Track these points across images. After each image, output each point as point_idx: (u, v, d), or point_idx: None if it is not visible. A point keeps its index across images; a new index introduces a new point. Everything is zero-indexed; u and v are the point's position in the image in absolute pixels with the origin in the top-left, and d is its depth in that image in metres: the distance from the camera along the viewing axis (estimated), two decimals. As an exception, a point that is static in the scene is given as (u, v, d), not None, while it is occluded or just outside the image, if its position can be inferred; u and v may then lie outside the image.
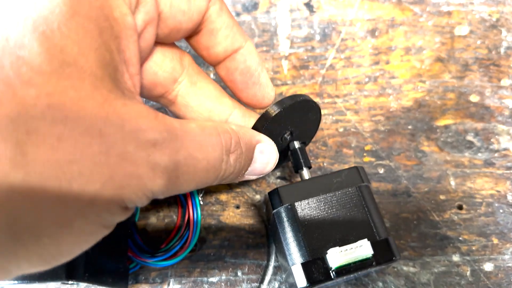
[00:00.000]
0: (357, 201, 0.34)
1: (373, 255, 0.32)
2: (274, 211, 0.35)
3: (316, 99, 0.47)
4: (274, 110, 0.35)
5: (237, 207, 0.43)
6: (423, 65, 0.49)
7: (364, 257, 0.32)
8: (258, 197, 0.43)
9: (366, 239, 0.32)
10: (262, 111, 0.36)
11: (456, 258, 0.41)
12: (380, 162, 0.44)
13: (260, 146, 0.33)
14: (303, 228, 0.33)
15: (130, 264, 0.39)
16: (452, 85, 0.48)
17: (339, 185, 0.35)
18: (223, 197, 0.43)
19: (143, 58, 0.31)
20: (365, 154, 0.45)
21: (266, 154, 0.34)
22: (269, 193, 0.35)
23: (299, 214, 0.34)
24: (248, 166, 0.33)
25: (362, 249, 0.32)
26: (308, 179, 0.36)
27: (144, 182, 0.22)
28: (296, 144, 0.40)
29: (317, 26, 0.51)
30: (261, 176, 0.36)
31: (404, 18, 0.51)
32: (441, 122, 0.46)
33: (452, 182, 0.44)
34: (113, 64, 0.23)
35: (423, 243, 0.41)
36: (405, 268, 0.40)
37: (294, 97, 0.36)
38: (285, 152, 0.40)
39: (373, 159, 0.44)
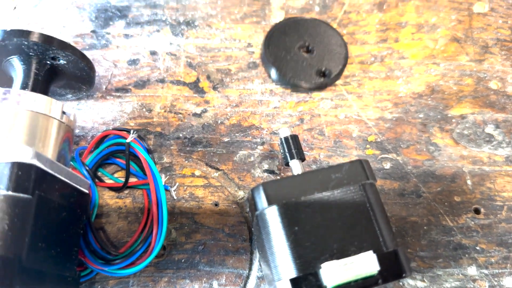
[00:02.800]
0: (360, 202, 0.28)
1: (379, 271, 0.25)
2: (258, 212, 0.28)
3: (313, 80, 0.40)
4: None
5: (216, 204, 0.36)
6: (437, 45, 0.42)
7: (368, 274, 0.25)
8: (241, 193, 0.36)
9: (371, 251, 0.26)
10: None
11: (472, 271, 0.34)
12: (386, 155, 0.38)
13: None
14: (293, 235, 0.27)
15: (83, 271, 0.32)
16: (469, 69, 0.42)
17: (339, 182, 0.28)
18: (199, 192, 0.36)
19: None
20: (368, 146, 0.38)
21: None
22: (252, 190, 0.29)
23: (288, 217, 0.27)
24: None
25: (366, 263, 0.25)
26: (301, 174, 0.30)
27: None
28: (287, 132, 0.33)
29: (316, -4, 0.44)
30: None
31: (416, -9, 0.45)
32: (456, 111, 0.40)
33: (469, 182, 0.37)
34: None
35: (434, 253, 0.35)
36: (412, 282, 0.34)
37: None
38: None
39: (377, 152, 0.38)
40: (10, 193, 0.25)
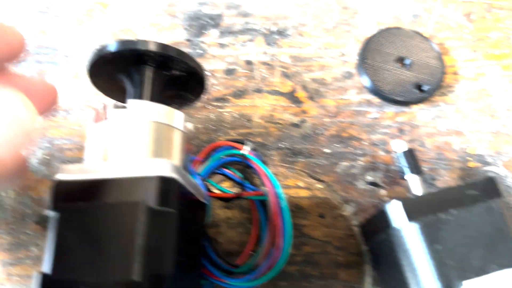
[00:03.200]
0: (495, 219, 0.28)
1: (530, 291, 0.25)
2: (392, 229, 0.28)
3: (409, 91, 0.40)
4: None
5: (322, 216, 0.36)
6: (528, 56, 0.42)
7: (519, 294, 0.25)
8: (346, 206, 0.36)
9: (520, 270, 0.26)
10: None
11: None
12: (487, 168, 0.38)
13: None
14: (435, 253, 0.27)
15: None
16: (561, 81, 0.42)
17: (474, 199, 0.28)
18: (304, 203, 0.36)
19: None
20: (469, 158, 0.38)
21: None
22: (387, 206, 0.29)
23: (429, 235, 0.27)
24: None
25: (516, 282, 0.25)
26: (436, 191, 0.29)
27: None
28: (401, 145, 0.33)
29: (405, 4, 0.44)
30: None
31: (503, 2, 0.44)
32: (552, 124, 0.40)
33: None
34: None
35: (541, 267, 0.35)
36: (522, 296, 0.34)
37: None
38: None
39: (479, 165, 0.38)
40: (157, 207, 0.25)
